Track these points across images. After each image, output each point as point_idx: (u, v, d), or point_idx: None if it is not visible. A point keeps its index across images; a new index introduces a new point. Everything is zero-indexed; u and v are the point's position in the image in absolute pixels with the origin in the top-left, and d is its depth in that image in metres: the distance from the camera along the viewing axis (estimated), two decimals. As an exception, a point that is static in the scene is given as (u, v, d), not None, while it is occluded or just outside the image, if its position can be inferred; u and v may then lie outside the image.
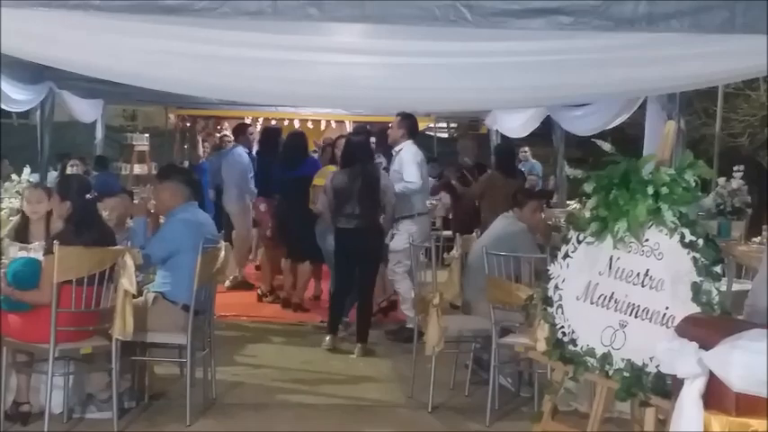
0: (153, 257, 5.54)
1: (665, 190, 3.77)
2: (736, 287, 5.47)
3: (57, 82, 9.04)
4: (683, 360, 3.34)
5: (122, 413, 5.30)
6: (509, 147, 10.04)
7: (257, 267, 10.59)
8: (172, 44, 5.18)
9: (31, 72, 8.06)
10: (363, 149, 7.71)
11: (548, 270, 4.32)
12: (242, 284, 9.94)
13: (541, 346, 4.30)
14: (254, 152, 10.28)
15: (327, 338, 7.46)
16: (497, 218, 6.69)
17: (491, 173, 9.21)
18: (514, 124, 10.62)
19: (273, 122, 12.68)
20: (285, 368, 6.95)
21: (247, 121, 12.54)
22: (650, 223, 3.83)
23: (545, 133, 10.63)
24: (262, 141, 10.08)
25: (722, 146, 9.73)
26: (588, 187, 4.06)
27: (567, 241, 4.21)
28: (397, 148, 7.88)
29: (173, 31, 4.65)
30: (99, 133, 11.73)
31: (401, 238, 7.52)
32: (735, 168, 7.35)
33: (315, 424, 5.63)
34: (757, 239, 7.19)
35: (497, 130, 11.58)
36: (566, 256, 4.21)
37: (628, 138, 9.45)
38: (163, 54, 5.48)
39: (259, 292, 9.47)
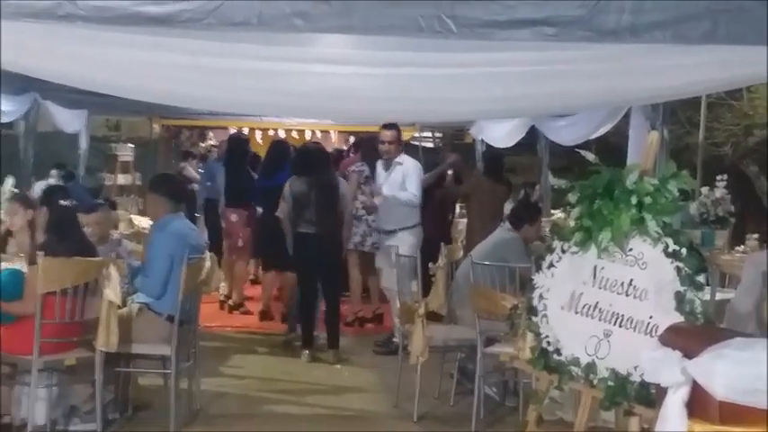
0: (157, 274, 5.52)
1: (648, 200, 3.79)
2: (719, 296, 5.51)
3: (41, 92, 9.02)
4: (666, 369, 3.34)
5: (106, 425, 5.28)
6: (498, 153, 10.06)
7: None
8: (158, 55, 5.18)
9: (17, 82, 8.03)
10: (319, 157, 7.81)
11: (532, 280, 4.33)
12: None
13: (526, 355, 4.30)
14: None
15: (305, 353, 7.47)
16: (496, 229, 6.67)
17: (479, 177, 9.21)
18: (500, 134, 10.65)
19: (245, 131, 12.64)
20: (269, 378, 6.96)
21: (232, 130, 12.54)
22: (634, 233, 3.84)
23: (530, 143, 10.66)
24: (230, 150, 9.85)
25: (705, 155, 9.79)
26: (572, 197, 4.07)
27: (551, 251, 4.23)
28: (398, 160, 7.92)
29: (159, 42, 4.65)
30: (83, 143, 11.69)
31: (403, 249, 7.52)
32: (718, 178, 7.40)
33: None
34: (740, 248, 7.24)
35: (483, 140, 11.62)
36: (550, 265, 4.21)
37: (612, 147, 9.51)
38: (149, 65, 5.48)
39: (230, 303, 9.44)
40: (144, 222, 7.90)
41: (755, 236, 7.27)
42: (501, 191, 8.83)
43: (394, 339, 7.46)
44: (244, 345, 7.99)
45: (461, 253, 7.08)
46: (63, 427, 5.33)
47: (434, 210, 8.62)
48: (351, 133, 12.47)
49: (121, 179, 13.45)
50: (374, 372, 7.15)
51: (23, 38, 4.37)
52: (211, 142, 12.66)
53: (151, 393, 5.93)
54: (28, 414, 5.07)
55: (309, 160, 7.74)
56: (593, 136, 8.73)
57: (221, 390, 6.44)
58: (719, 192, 7.33)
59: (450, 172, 9.35)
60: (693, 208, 7.15)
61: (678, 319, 3.66)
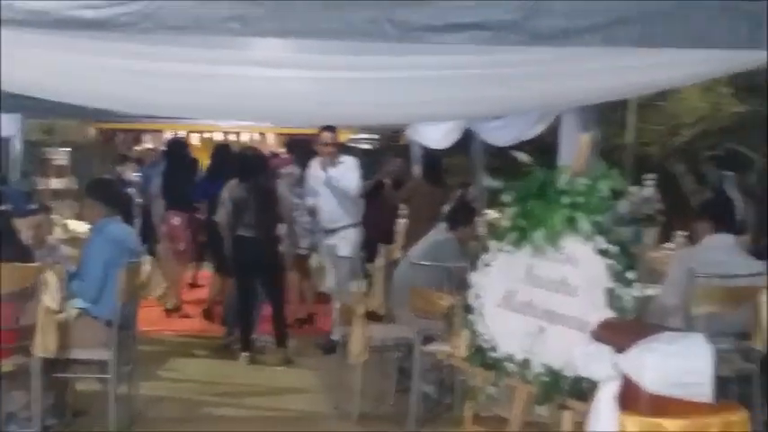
0: (93, 279, 5.50)
1: (580, 200, 3.89)
2: (647, 292, 5.66)
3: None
4: (598, 363, 3.46)
5: (45, 431, 5.23)
6: (436, 156, 10.17)
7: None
8: (93, 58, 5.14)
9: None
10: (255, 162, 7.90)
11: (468, 279, 4.42)
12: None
13: (462, 353, 4.39)
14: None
15: (243, 355, 7.49)
16: (431, 230, 6.76)
17: (418, 180, 9.31)
18: (435, 135, 10.73)
19: (181, 134, 12.57)
20: (209, 382, 6.95)
21: (168, 134, 12.46)
22: (566, 232, 3.95)
23: (465, 144, 10.78)
24: (171, 153, 9.84)
25: (635, 155, 10.04)
26: (506, 198, 4.17)
27: (486, 250, 4.32)
28: (340, 159, 7.98)
29: (94, 45, 4.63)
30: (17, 148, 11.48)
31: (343, 248, 7.57)
32: (646, 177, 7.59)
33: (240, 436, 5.64)
34: (668, 245, 7.45)
35: (418, 142, 11.71)
36: (486, 264, 4.31)
37: (546, 147, 9.66)
38: (83, 68, 5.45)
39: (168, 306, 9.39)
40: (80, 227, 7.81)
41: (682, 233, 7.47)
42: (439, 193, 8.95)
43: (333, 339, 7.51)
44: (183, 349, 7.96)
45: (399, 254, 7.16)
46: (0, 433, 5.29)
47: (376, 212, 8.70)
48: (288, 135, 12.48)
49: (55, 183, 13.23)
50: (314, 373, 7.19)
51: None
52: (147, 146, 12.54)
53: (90, 399, 5.88)
54: (-37, 422, 5.02)
55: (247, 165, 7.78)
56: (527, 137, 8.87)
57: (160, 394, 6.42)
58: (648, 190, 7.52)
59: (387, 179, 9.46)
60: (623, 206, 7.31)
61: (609, 314, 3.76)
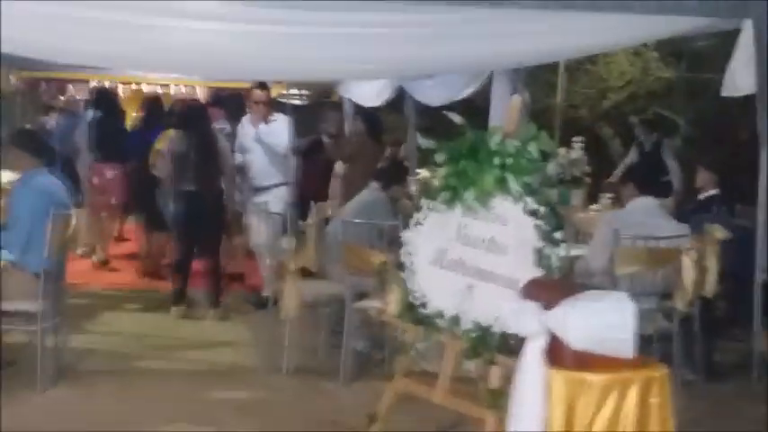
0: (19, 230, 5.44)
1: (510, 161, 3.99)
2: (574, 252, 5.82)
3: None
4: (525, 320, 3.56)
5: (-28, 381, 5.20)
6: (375, 114, 10.18)
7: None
8: (21, 4, 5.05)
9: None
10: (197, 113, 7.80)
11: (401, 237, 4.49)
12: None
13: (393, 309, 4.48)
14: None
15: (174, 309, 7.46)
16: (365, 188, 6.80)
17: (363, 137, 9.31)
18: (368, 93, 10.73)
19: (106, 84, 12.33)
20: (139, 335, 6.92)
21: (93, 84, 12.21)
22: (497, 192, 4.04)
23: (396, 102, 10.80)
24: (101, 103, 9.60)
25: (564, 117, 10.18)
26: (439, 158, 4.24)
27: (419, 209, 4.39)
28: (272, 117, 7.96)
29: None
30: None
31: (274, 205, 7.55)
32: (574, 139, 7.74)
33: (170, 389, 5.65)
34: (594, 207, 7.63)
35: (350, 99, 11.70)
36: (417, 223, 4.39)
37: (477, 109, 9.75)
38: (8, 14, 5.32)
39: (94, 259, 9.31)
40: (4, 177, 7.67)
41: (609, 195, 7.64)
42: (379, 151, 9.00)
43: (264, 295, 7.54)
44: (111, 302, 7.90)
45: (330, 211, 7.20)
46: (-74, 385, 5.22)
47: (312, 169, 8.71)
48: (216, 89, 12.36)
49: (-24, 133, 12.90)
50: (245, 327, 7.23)
51: None
52: (74, 96, 12.28)
53: (17, 351, 5.82)
54: None
55: (188, 115, 7.67)
56: (459, 97, 8.94)
57: (89, 347, 6.40)
58: (576, 153, 7.68)
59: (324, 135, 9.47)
60: (551, 168, 7.45)
61: (537, 273, 3.88)
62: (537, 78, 10.17)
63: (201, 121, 7.67)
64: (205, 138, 7.54)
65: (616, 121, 11.92)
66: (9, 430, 4.76)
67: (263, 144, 7.84)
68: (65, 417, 5.08)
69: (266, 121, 7.89)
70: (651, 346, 5.20)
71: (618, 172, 9.01)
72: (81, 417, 5.09)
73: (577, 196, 7.70)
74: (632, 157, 9.44)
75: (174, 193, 7.58)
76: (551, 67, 9.59)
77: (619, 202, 6.38)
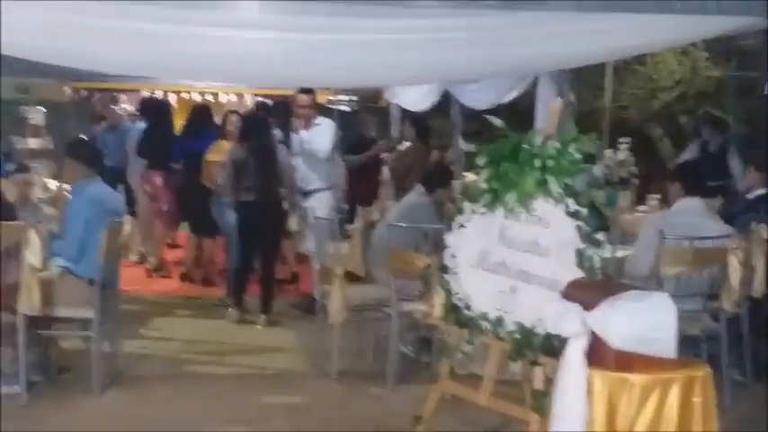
0: (73, 238, 5.57)
1: (551, 163, 4.01)
2: (619, 254, 5.81)
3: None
4: (566, 321, 3.59)
5: (30, 387, 5.34)
6: (424, 117, 10.24)
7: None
8: (70, 17, 5.18)
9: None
10: (260, 124, 7.89)
11: (444, 239, 4.54)
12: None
13: (438, 312, 4.53)
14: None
15: (231, 311, 7.58)
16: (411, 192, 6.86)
17: (414, 144, 9.36)
18: (414, 97, 10.80)
19: (158, 94, 12.57)
20: (191, 340, 7.06)
21: (145, 94, 12.45)
22: (538, 194, 4.07)
23: (442, 106, 10.85)
24: (148, 112, 9.85)
25: (612, 118, 10.13)
26: (480, 160, 4.28)
27: (461, 212, 4.43)
28: (315, 122, 8.02)
29: (74, 5, 4.68)
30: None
31: (320, 210, 7.64)
32: (621, 140, 7.71)
33: (221, 393, 5.75)
34: (642, 208, 7.59)
35: (397, 104, 11.77)
36: (460, 226, 4.43)
37: (522, 111, 9.76)
38: (60, 27, 5.47)
39: (148, 266, 9.48)
40: (60, 187, 7.85)
41: (656, 196, 7.60)
42: (426, 155, 9.07)
43: (315, 299, 7.62)
44: (164, 308, 8.04)
45: (378, 215, 7.26)
46: (-14, 389, 5.39)
47: (360, 174, 8.80)
48: (265, 96, 12.50)
49: (32, 143, 13.20)
50: (295, 332, 7.30)
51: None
52: (125, 106, 12.51)
53: (74, 356, 5.98)
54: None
55: (252, 128, 7.78)
56: (505, 100, 8.95)
57: (142, 352, 6.54)
58: (623, 154, 7.66)
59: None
60: (597, 170, 7.43)
61: (578, 274, 3.90)
62: (584, 80, 10.13)
63: (263, 132, 7.75)
64: (266, 149, 7.62)
65: (666, 122, 11.82)
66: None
67: (304, 150, 7.92)
68: (119, 421, 5.21)
69: (308, 127, 7.97)
70: (698, 346, 5.18)
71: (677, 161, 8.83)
72: (135, 420, 5.22)
73: (625, 198, 7.68)
74: (690, 154, 9.27)
75: (233, 203, 7.69)
76: (599, 69, 9.57)
77: (666, 203, 6.35)
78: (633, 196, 7.94)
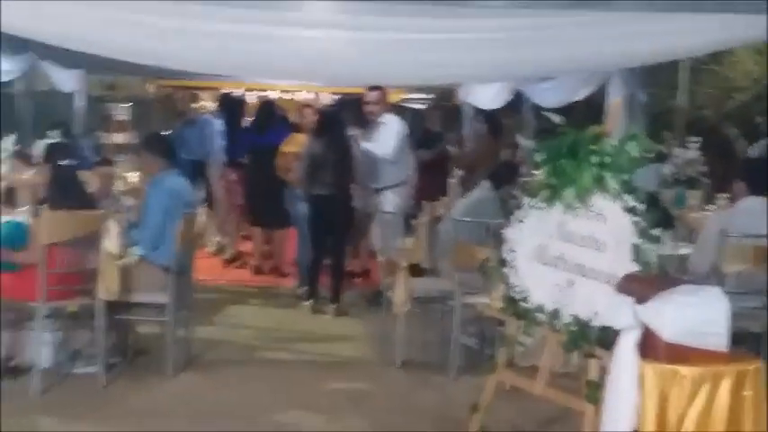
0: (151, 227, 5.82)
1: (608, 159, 4.08)
2: (682, 251, 5.82)
3: (38, 52, 9.22)
4: (619, 314, 3.67)
5: (108, 368, 5.60)
6: (497, 114, 10.30)
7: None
8: (149, 17, 5.43)
9: (15, 42, 8.23)
10: (336, 120, 8.09)
11: (503, 233, 4.64)
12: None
13: (497, 303, 4.64)
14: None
15: (309, 302, 7.78)
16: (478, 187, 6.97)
17: (490, 140, 9.44)
18: (486, 96, 10.87)
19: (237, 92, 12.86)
20: (262, 328, 7.28)
21: (222, 92, 12.77)
22: (595, 190, 4.14)
23: (516, 105, 10.90)
24: (225, 110, 10.21)
25: (687, 117, 10.07)
26: (539, 157, 4.37)
27: (520, 207, 4.53)
28: (382, 120, 8.14)
29: (150, 5, 4.91)
30: (79, 103, 11.88)
31: (387, 207, 7.81)
32: (690, 139, 7.68)
33: (289, 378, 5.95)
34: (710, 207, 7.54)
35: (470, 102, 11.85)
36: (519, 220, 4.53)
37: (594, 109, 9.76)
38: (139, 27, 5.72)
39: (225, 256, 9.75)
40: (139, 179, 8.16)
41: (725, 195, 7.54)
42: (496, 151, 9.15)
43: (381, 292, 7.77)
44: (238, 297, 8.28)
45: (444, 209, 7.37)
46: (67, 369, 5.67)
47: (429, 170, 8.94)
48: (340, 94, 12.71)
49: (117, 138, 13.64)
50: (362, 322, 7.47)
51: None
52: (204, 103, 12.84)
53: (149, 340, 6.25)
54: (34, 357, 5.39)
55: (329, 123, 7.97)
56: (575, 99, 8.98)
57: (216, 338, 6.78)
58: (692, 153, 7.62)
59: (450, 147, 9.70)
60: (665, 168, 7.43)
61: (634, 268, 3.96)
62: (660, 80, 10.09)
63: (338, 127, 7.95)
64: (340, 144, 7.82)
65: (741, 122, 11.67)
66: (142, 411, 5.17)
67: (365, 149, 8.06)
68: (192, 401, 5.45)
69: (374, 125, 8.10)
70: (759, 344, 5.18)
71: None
72: (207, 402, 5.46)
73: (694, 196, 7.64)
74: (757, 152, 9.16)
75: (307, 196, 7.90)
76: (674, 69, 9.53)
77: (733, 201, 6.32)
78: (703, 195, 7.88)
